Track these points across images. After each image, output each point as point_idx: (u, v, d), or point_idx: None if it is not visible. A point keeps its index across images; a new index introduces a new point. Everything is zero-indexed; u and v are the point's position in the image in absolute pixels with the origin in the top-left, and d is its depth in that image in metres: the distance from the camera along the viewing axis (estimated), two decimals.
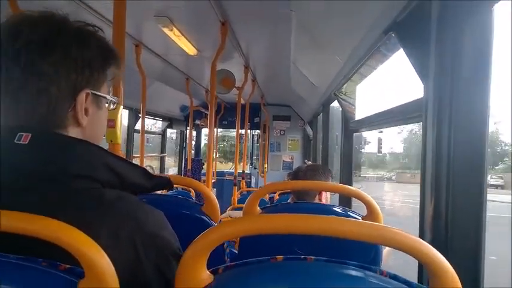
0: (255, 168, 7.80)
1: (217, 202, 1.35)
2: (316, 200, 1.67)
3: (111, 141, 1.34)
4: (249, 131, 8.29)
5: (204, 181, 5.28)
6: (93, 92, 0.78)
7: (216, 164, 6.93)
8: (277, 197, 3.55)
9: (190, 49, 3.25)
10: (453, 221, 0.94)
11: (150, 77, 4.38)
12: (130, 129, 4.68)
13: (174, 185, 4.02)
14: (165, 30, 2.72)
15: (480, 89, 0.88)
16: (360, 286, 0.63)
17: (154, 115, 5.62)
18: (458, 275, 0.91)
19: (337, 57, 2.10)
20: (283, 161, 6.74)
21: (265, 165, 6.53)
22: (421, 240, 0.62)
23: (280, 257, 0.69)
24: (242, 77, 3.83)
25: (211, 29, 2.64)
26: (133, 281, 0.70)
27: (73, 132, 0.76)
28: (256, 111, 6.62)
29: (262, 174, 6.53)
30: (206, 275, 0.65)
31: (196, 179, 4.63)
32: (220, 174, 7.10)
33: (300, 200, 1.71)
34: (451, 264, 0.97)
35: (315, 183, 1.50)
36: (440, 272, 0.62)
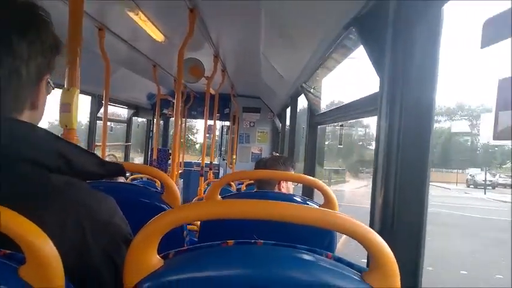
0: (224, 160, 7.79)
1: (177, 190, 1.35)
2: (276, 190, 1.71)
3: (66, 126, 1.30)
4: (218, 121, 8.26)
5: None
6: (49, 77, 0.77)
7: (183, 154, 6.85)
8: (244, 188, 3.58)
9: (157, 35, 3.18)
10: (399, 210, 0.99)
11: (116, 62, 4.26)
12: (93, 117, 4.54)
13: (140, 175, 3.94)
14: (131, 14, 2.65)
15: (427, 86, 0.92)
16: (305, 267, 0.66)
17: (119, 102, 5.47)
18: (402, 259, 0.96)
19: (304, 50, 2.13)
20: (252, 152, 6.77)
21: (234, 157, 6.54)
22: (361, 223, 0.65)
23: (231, 242, 0.70)
24: (212, 66, 3.79)
25: (180, 16, 2.59)
26: (81, 267, 0.70)
27: (26, 116, 0.75)
28: (226, 102, 6.59)
29: (230, 166, 6.54)
30: (156, 260, 0.66)
31: (162, 170, 4.58)
32: (188, 165, 7.04)
33: (261, 190, 1.74)
34: (397, 249, 1.02)
35: (274, 173, 1.53)
36: (379, 253, 0.65)
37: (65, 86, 1.36)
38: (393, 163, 1.00)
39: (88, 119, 4.73)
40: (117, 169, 0.88)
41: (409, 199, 1.00)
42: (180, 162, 6.38)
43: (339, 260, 0.70)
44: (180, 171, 5.80)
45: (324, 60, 1.83)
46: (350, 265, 0.70)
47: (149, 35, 3.16)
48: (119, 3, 2.48)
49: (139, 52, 3.98)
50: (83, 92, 4.62)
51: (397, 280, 0.66)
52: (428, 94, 0.93)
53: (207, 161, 4.55)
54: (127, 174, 4.70)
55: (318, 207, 1.36)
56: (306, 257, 0.68)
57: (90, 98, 4.63)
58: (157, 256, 0.66)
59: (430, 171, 0.98)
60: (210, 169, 4.44)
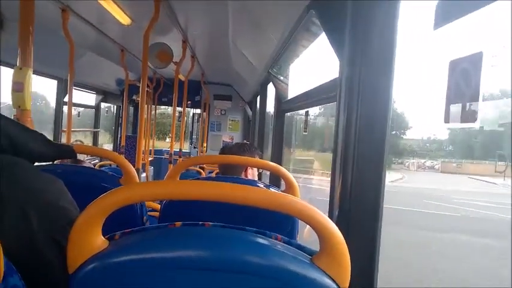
0: (195, 148, 7.72)
1: (135, 173, 1.32)
2: (242, 176, 1.70)
3: (19, 106, 1.24)
4: (189, 109, 8.15)
5: (142, 159, 5.15)
6: None
7: (153, 141, 6.73)
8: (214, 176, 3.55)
9: (123, 18, 3.08)
10: (356, 195, 1.00)
11: (82, 46, 4.10)
12: (59, 101, 4.38)
13: (109, 162, 3.83)
14: None
15: (386, 70, 0.93)
16: (254, 249, 0.65)
17: (86, 87, 5.30)
18: (356, 243, 0.97)
19: (271, 36, 2.11)
20: (223, 141, 6.72)
21: (204, 145, 6.48)
22: (309, 205, 0.65)
23: (178, 223, 0.69)
24: (180, 52, 3.72)
25: None
26: (24, 247, 0.67)
27: None
28: (197, 90, 6.51)
29: (201, 154, 6.49)
30: (100, 241, 0.64)
31: (131, 157, 4.47)
32: (159, 152, 6.93)
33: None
34: (353, 233, 1.03)
35: (238, 158, 1.52)
36: (327, 235, 0.65)
37: (18, 65, 1.29)
38: (351, 148, 1.01)
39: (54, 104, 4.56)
40: (67, 150, 0.85)
41: (367, 185, 1.01)
42: (150, 150, 6.27)
43: (289, 242, 0.70)
44: (150, 159, 5.71)
45: (289, 45, 1.82)
46: (300, 247, 0.70)
47: (115, 18, 3.06)
48: None
49: (107, 36, 3.85)
50: (48, 75, 4.47)
51: (347, 262, 0.67)
52: (386, 78, 0.94)
53: (176, 148, 4.48)
54: (96, 161, 4.59)
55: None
56: (255, 239, 0.67)
57: (56, 82, 4.46)
58: (102, 237, 0.64)
59: (387, 155, 0.99)
60: (180, 156, 4.39)
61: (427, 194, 15.01)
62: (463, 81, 0.59)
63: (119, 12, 2.95)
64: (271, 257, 0.64)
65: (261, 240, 0.67)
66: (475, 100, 0.55)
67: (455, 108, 0.62)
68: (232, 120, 6.77)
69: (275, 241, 0.68)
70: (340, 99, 1.06)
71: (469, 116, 0.56)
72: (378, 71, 0.93)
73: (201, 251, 0.63)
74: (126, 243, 0.65)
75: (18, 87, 1.21)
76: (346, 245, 0.67)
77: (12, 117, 1.28)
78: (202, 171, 4.36)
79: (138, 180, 1.33)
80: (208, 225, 0.69)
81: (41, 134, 0.80)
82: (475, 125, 0.58)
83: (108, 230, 0.68)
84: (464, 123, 0.58)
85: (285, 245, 0.68)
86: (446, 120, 0.64)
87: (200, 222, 0.69)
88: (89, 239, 0.63)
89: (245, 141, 6.09)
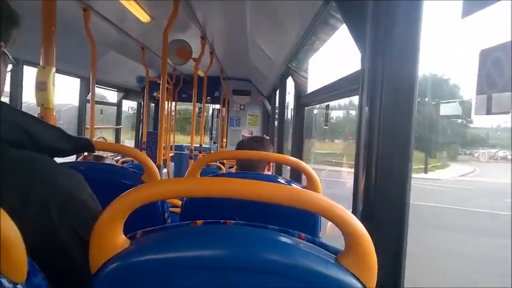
0: (215, 143, 7.75)
1: (157, 170, 1.32)
2: (265, 172, 1.68)
3: (43, 105, 1.26)
4: (209, 104, 8.19)
5: (163, 155, 5.21)
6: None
7: (174, 137, 6.80)
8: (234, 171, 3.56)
9: (143, 16, 3.11)
10: (380, 191, 0.97)
11: (103, 45, 4.17)
12: (82, 99, 4.47)
13: (131, 158, 3.87)
14: None
15: (410, 61, 0.89)
16: (277, 248, 0.64)
17: (109, 85, 5.39)
18: (382, 241, 0.94)
19: (289, 30, 2.08)
20: (243, 136, 6.72)
21: (224, 140, 6.50)
22: (332, 202, 0.63)
23: (199, 222, 0.68)
24: (199, 48, 3.73)
25: None
26: (48, 246, 0.68)
27: None
28: (217, 85, 6.52)
29: (221, 149, 6.51)
30: (122, 240, 0.64)
31: (152, 153, 4.52)
32: (180, 148, 7.00)
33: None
34: (378, 231, 1.00)
35: (257, 153, 1.50)
36: (353, 233, 0.63)
37: (41, 64, 1.31)
38: (375, 142, 0.98)
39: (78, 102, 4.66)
40: (86, 144, 0.86)
41: (392, 180, 0.98)
42: (171, 146, 6.34)
43: (313, 241, 0.68)
44: (171, 155, 5.77)
45: (308, 39, 1.79)
46: (324, 246, 0.68)
47: (135, 16, 3.09)
48: None
49: (127, 34, 3.90)
50: (71, 74, 4.56)
51: (373, 262, 0.64)
52: (411, 69, 0.91)
53: (197, 143, 4.51)
54: (118, 158, 4.66)
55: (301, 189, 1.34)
56: (278, 237, 0.66)
57: (79, 80, 4.55)
58: (123, 236, 0.64)
59: (413, 148, 0.96)
60: (200, 152, 4.41)
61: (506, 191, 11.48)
62: (495, 70, 0.56)
63: (139, 10, 2.98)
64: (295, 257, 0.63)
65: (284, 239, 0.66)
66: (507, 90, 0.52)
67: (485, 99, 0.59)
68: (251, 115, 6.75)
69: (298, 240, 0.67)
70: (362, 92, 1.03)
71: (501, 106, 0.53)
72: (402, 62, 0.90)
73: (223, 250, 0.62)
74: (147, 243, 0.64)
75: (42, 86, 1.23)
76: (372, 243, 0.64)
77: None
78: (222, 166, 4.37)
79: (159, 176, 1.34)
80: (230, 223, 0.68)
81: (60, 129, 0.81)
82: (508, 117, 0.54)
83: (129, 226, 0.68)
84: (495, 114, 0.55)
85: (309, 243, 0.67)
86: (477, 111, 0.60)
87: (222, 221, 0.69)
88: (111, 238, 0.63)
89: (265, 135, 6.09)
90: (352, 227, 0.63)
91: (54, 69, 1.31)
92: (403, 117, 0.91)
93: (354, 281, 0.63)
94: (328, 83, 1.56)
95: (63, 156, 0.82)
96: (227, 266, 0.60)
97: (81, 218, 0.72)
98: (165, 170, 5.15)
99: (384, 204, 0.97)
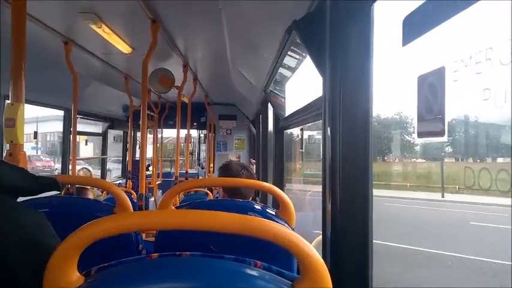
0: (202, 168, 7.74)
1: (128, 201, 1.32)
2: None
3: (11, 141, 1.27)
4: (196, 130, 8.22)
5: (150, 183, 5.18)
6: None
7: (161, 164, 6.77)
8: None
9: (124, 47, 3.16)
10: (345, 212, 0.99)
11: (86, 76, 4.20)
12: (66, 131, 4.46)
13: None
14: (94, 27, 2.62)
15: (364, 86, 0.93)
16: (230, 278, 0.64)
17: (94, 116, 5.39)
18: (352, 259, 0.94)
19: (265, 55, 2.13)
20: (231, 160, 6.73)
21: (211, 165, 6.50)
22: (286, 228, 0.64)
23: (155, 255, 0.68)
24: (182, 76, 3.78)
25: (144, 27, 2.58)
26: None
27: None
28: (203, 111, 6.57)
29: (209, 174, 6.49)
30: (76, 277, 0.63)
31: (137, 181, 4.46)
32: (167, 175, 6.96)
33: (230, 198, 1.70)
34: (345, 255, 1.01)
35: (232, 180, 1.51)
36: (307, 259, 0.64)
37: (10, 101, 1.32)
38: (337, 165, 1.00)
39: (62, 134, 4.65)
40: (50, 183, 0.86)
41: (355, 203, 0.99)
42: (158, 173, 6.30)
43: (269, 268, 0.68)
44: (158, 182, 5.73)
45: (280, 65, 1.84)
46: (280, 273, 0.68)
47: (116, 47, 3.14)
48: (81, 16, 2.45)
49: (110, 65, 3.94)
50: (55, 106, 4.56)
51: (329, 286, 0.65)
52: (365, 93, 0.94)
53: (182, 170, 4.50)
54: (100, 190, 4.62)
55: (273, 214, 1.34)
56: (233, 267, 0.66)
57: (62, 112, 4.55)
58: (78, 273, 0.64)
59: (372, 169, 0.98)
60: (186, 178, 4.40)
61: None
62: (431, 95, 0.58)
63: (119, 41, 3.03)
64: (248, 285, 0.63)
65: (238, 268, 0.66)
66: (441, 114, 0.54)
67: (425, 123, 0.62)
68: (238, 139, 6.79)
69: (253, 267, 0.67)
70: (325, 116, 1.06)
71: (437, 130, 0.56)
72: (356, 87, 0.93)
73: (177, 283, 0.62)
74: (102, 279, 0.64)
75: (10, 123, 1.24)
76: (326, 268, 0.65)
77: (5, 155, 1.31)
78: (210, 192, 4.35)
79: (131, 208, 1.34)
80: (186, 255, 0.68)
81: (23, 169, 0.81)
82: (444, 139, 0.57)
83: (101, 259, 0.68)
84: (434, 137, 0.57)
85: (264, 271, 0.67)
86: (419, 135, 0.63)
87: (177, 253, 0.69)
88: (64, 274, 0.62)
89: (251, 159, 6.10)
90: (305, 253, 0.64)
91: (23, 105, 1.32)
92: (361, 140, 0.94)
93: None
94: (300, 107, 1.59)
95: (27, 196, 0.82)
96: None
97: (42, 261, 0.72)
98: (152, 199, 5.11)
99: (349, 224, 0.98)
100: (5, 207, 0.71)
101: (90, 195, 2.95)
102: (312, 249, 0.64)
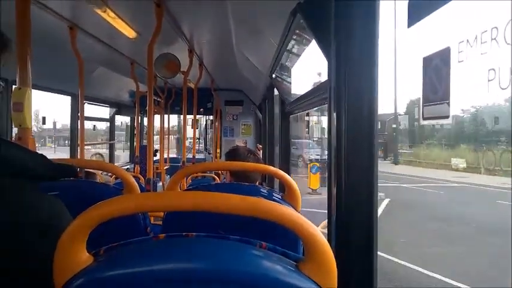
0: (209, 154, 7.77)
1: (136, 184, 1.34)
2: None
3: (20, 125, 1.28)
4: (203, 116, 8.22)
5: (157, 168, 5.23)
6: None
7: (168, 150, 6.81)
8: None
9: (129, 32, 3.15)
10: (350, 198, 0.99)
11: (93, 61, 4.21)
12: (74, 116, 4.50)
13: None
14: (99, 11, 2.61)
15: (368, 72, 0.92)
16: (235, 258, 0.65)
17: (100, 101, 5.42)
18: (357, 245, 0.95)
19: (271, 40, 2.12)
20: (237, 145, 6.74)
21: (218, 151, 6.52)
22: (292, 210, 0.65)
23: (162, 235, 0.70)
24: (188, 61, 3.77)
25: (149, 11, 2.56)
26: (20, 270, 0.69)
27: None
28: (209, 97, 6.56)
29: (216, 160, 6.52)
30: (85, 257, 0.65)
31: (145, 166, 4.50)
32: (175, 160, 7.00)
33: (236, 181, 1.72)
34: (351, 235, 1.02)
35: (238, 164, 1.52)
36: (312, 241, 0.64)
37: (17, 85, 1.34)
38: (342, 151, 1.00)
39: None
40: (68, 170, 0.88)
41: (360, 188, 1.00)
42: (166, 158, 6.35)
43: (274, 249, 0.69)
44: (166, 167, 5.78)
45: (285, 49, 1.82)
46: (285, 254, 0.69)
47: (122, 32, 3.13)
48: (85, 1, 2.44)
49: (115, 50, 3.93)
50: (62, 92, 4.58)
51: (333, 267, 0.66)
52: (370, 77, 0.93)
53: (189, 155, 4.52)
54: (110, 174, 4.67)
55: (279, 197, 1.35)
56: (237, 247, 0.67)
57: (69, 97, 4.58)
58: (87, 253, 0.66)
59: (377, 153, 0.98)
60: (193, 163, 4.42)
61: None
62: (436, 77, 0.58)
63: (124, 26, 3.02)
64: (255, 265, 0.64)
65: (244, 249, 0.67)
66: (446, 96, 0.54)
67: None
68: (244, 125, 6.79)
69: (258, 248, 0.68)
70: (330, 100, 1.05)
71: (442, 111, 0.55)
72: (361, 70, 0.92)
73: (184, 262, 0.63)
74: (110, 258, 0.66)
75: (18, 107, 1.26)
76: (331, 250, 0.66)
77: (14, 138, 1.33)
78: (217, 177, 4.38)
79: (138, 190, 1.36)
80: (192, 235, 0.69)
81: (42, 155, 0.82)
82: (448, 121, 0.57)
83: (109, 241, 0.69)
84: (438, 119, 0.57)
85: (269, 251, 0.68)
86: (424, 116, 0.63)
87: (184, 233, 0.70)
88: (74, 255, 0.64)
89: (258, 144, 6.11)
90: (311, 234, 0.65)
91: (30, 89, 1.34)
92: (365, 125, 0.94)
93: (314, 287, 0.64)
94: (305, 92, 1.59)
95: (45, 181, 0.84)
96: (188, 277, 0.62)
97: None
98: (160, 184, 5.16)
99: (353, 207, 0.99)
100: (29, 195, 0.73)
101: (98, 180, 2.99)
102: (317, 231, 0.65)
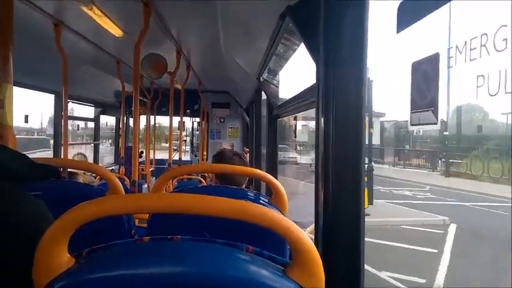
0: (196, 156, 7.72)
1: (120, 186, 1.31)
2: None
3: (0, 123, 1.25)
4: (190, 118, 8.17)
5: (143, 169, 5.16)
6: None
7: (154, 151, 6.74)
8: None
9: (115, 31, 3.10)
10: (338, 202, 0.99)
11: (77, 59, 4.14)
12: (57, 115, 4.41)
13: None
14: (85, 9, 2.57)
15: (356, 76, 0.92)
16: (221, 262, 0.64)
17: (85, 100, 5.33)
18: (343, 249, 0.95)
19: (259, 43, 2.12)
20: (224, 148, 6.71)
21: (205, 153, 6.48)
22: (279, 214, 0.64)
23: (146, 238, 0.68)
24: (175, 62, 3.74)
25: (136, 10, 2.53)
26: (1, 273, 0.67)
27: None
28: (196, 98, 6.52)
29: (202, 162, 6.48)
30: (67, 259, 0.63)
31: (129, 168, 4.45)
32: (161, 162, 6.93)
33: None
34: (338, 237, 1.02)
35: (225, 167, 1.51)
36: (299, 245, 0.64)
37: None
38: (330, 154, 1.00)
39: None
40: (51, 171, 0.86)
41: (346, 187, 1.00)
42: (152, 160, 6.28)
43: (260, 253, 0.69)
44: (152, 169, 5.71)
45: (274, 52, 1.82)
46: (272, 258, 0.69)
47: (108, 30, 3.08)
48: None
49: (101, 49, 3.87)
50: (45, 89, 4.50)
51: (320, 272, 0.65)
52: (357, 81, 0.93)
53: (175, 157, 4.48)
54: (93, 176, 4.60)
55: (266, 201, 1.35)
56: (224, 251, 0.66)
57: (53, 96, 4.50)
58: (68, 255, 0.64)
59: (364, 157, 0.98)
60: (179, 165, 4.38)
61: None
62: (424, 83, 0.58)
63: (111, 25, 2.97)
64: (240, 269, 0.63)
65: (230, 253, 0.66)
66: (435, 101, 0.54)
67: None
68: (231, 128, 6.77)
69: (245, 252, 0.67)
70: (318, 104, 1.05)
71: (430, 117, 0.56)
72: (349, 74, 0.93)
73: (168, 266, 0.62)
74: (93, 261, 0.64)
75: None
76: (318, 254, 0.66)
77: None
78: (203, 180, 4.34)
79: (123, 192, 1.33)
80: (177, 239, 0.68)
81: (25, 155, 0.80)
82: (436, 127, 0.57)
83: (94, 243, 0.67)
84: (426, 124, 0.57)
85: (256, 256, 0.67)
86: (411, 122, 0.63)
87: (169, 237, 0.69)
88: (54, 257, 0.62)
89: (245, 148, 6.09)
90: (298, 239, 0.64)
91: (11, 86, 1.30)
92: (353, 127, 0.94)
93: None
94: (293, 95, 1.59)
95: (27, 181, 0.82)
96: (171, 282, 0.60)
97: None
98: (145, 185, 5.09)
99: (340, 212, 0.99)
100: (10, 196, 0.71)
101: (81, 181, 2.93)
102: (304, 235, 0.65)
